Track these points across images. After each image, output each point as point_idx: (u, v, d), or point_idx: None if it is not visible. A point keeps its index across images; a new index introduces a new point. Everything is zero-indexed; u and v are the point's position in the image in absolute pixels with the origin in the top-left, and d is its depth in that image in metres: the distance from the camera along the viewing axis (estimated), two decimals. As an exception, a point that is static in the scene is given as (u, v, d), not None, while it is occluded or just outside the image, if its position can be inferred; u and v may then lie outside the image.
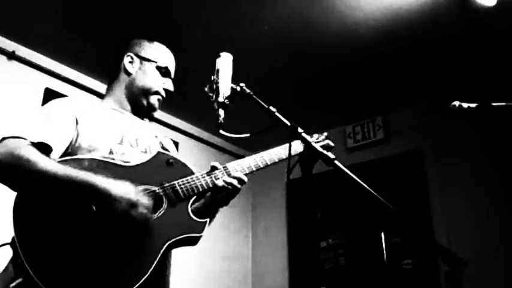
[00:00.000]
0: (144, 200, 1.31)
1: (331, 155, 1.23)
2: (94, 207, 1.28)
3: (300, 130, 1.29)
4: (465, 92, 3.49)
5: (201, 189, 1.48)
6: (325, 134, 1.76)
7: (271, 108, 1.35)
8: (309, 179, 1.60)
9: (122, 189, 1.28)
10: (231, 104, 1.43)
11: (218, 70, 1.47)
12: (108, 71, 1.71)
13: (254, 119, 1.69)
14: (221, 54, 1.50)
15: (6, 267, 1.26)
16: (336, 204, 4.21)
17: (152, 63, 1.66)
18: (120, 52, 1.68)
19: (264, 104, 1.36)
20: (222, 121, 1.42)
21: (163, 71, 1.67)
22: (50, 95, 3.23)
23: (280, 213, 4.50)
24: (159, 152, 1.51)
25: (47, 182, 1.25)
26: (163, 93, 1.66)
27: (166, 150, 1.64)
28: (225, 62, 1.48)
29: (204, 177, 1.49)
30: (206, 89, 1.47)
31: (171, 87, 1.68)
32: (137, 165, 1.44)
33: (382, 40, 3.14)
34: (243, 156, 4.79)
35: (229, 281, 4.24)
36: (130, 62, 1.66)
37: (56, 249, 1.23)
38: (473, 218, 3.45)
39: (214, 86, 1.45)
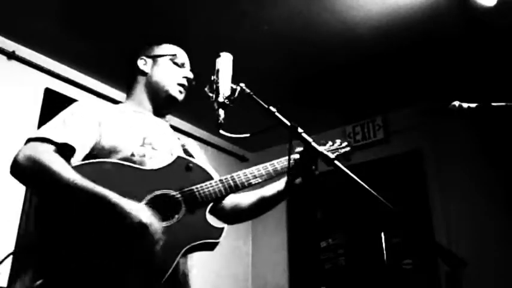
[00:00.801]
0: (155, 223, 1.29)
1: (331, 155, 1.23)
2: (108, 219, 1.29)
3: (300, 130, 1.29)
4: (465, 92, 3.49)
5: (219, 195, 1.49)
6: (348, 140, 1.75)
7: (271, 108, 1.35)
8: (313, 181, 1.60)
9: (133, 209, 1.27)
10: (231, 104, 1.43)
11: (218, 70, 1.47)
12: (125, 81, 1.74)
13: (254, 119, 1.69)
14: (221, 54, 1.50)
15: (26, 269, 1.28)
16: (336, 204, 4.21)
17: (165, 57, 1.69)
18: (132, 60, 1.71)
19: (264, 104, 1.36)
20: (222, 121, 1.42)
21: (178, 62, 1.70)
22: (50, 95, 3.23)
23: (281, 213, 4.50)
24: (178, 157, 1.52)
25: (64, 191, 1.27)
26: (183, 81, 1.68)
27: (188, 152, 1.65)
28: (225, 62, 1.48)
29: (223, 182, 1.50)
30: (206, 89, 1.47)
31: (190, 75, 1.70)
32: (157, 169, 1.45)
33: (382, 40, 3.14)
34: (243, 156, 4.79)
35: (229, 281, 4.24)
36: (144, 64, 1.69)
37: (74, 253, 1.24)
38: (473, 218, 3.44)
39: (214, 86, 1.45)
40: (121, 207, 1.26)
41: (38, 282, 1.21)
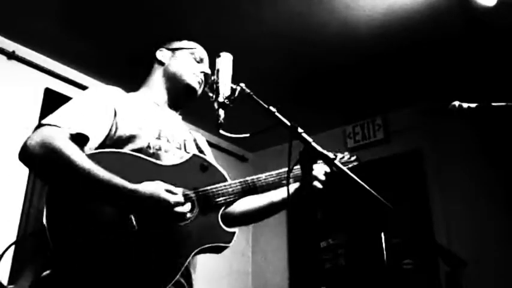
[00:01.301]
0: (175, 197, 1.31)
1: (331, 155, 1.23)
2: (132, 217, 1.28)
3: (300, 130, 1.29)
4: (465, 92, 3.49)
5: (232, 199, 1.49)
6: (355, 156, 1.78)
7: (271, 108, 1.34)
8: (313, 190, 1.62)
9: (150, 188, 1.29)
10: (231, 104, 1.43)
11: (218, 70, 1.46)
12: (142, 76, 1.74)
13: (254, 119, 1.69)
14: (221, 54, 1.49)
15: (36, 259, 1.27)
16: (336, 204, 4.21)
17: (184, 50, 1.71)
18: (152, 55, 1.72)
19: (264, 104, 1.36)
20: (222, 121, 1.42)
21: (197, 57, 1.71)
22: (50, 95, 3.23)
23: (281, 213, 4.48)
24: (194, 155, 1.52)
25: (78, 180, 1.24)
26: (201, 75, 1.68)
27: (199, 147, 1.67)
28: (225, 62, 1.48)
29: (237, 185, 1.51)
30: (206, 89, 1.47)
31: (208, 70, 1.69)
32: (172, 165, 1.44)
33: (382, 40, 3.14)
34: (243, 156, 4.80)
35: (229, 281, 4.24)
36: (163, 55, 1.71)
37: (84, 244, 1.23)
38: (473, 218, 3.44)
39: (214, 86, 1.45)
40: (140, 192, 1.27)
41: (46, 273, 1.21)
